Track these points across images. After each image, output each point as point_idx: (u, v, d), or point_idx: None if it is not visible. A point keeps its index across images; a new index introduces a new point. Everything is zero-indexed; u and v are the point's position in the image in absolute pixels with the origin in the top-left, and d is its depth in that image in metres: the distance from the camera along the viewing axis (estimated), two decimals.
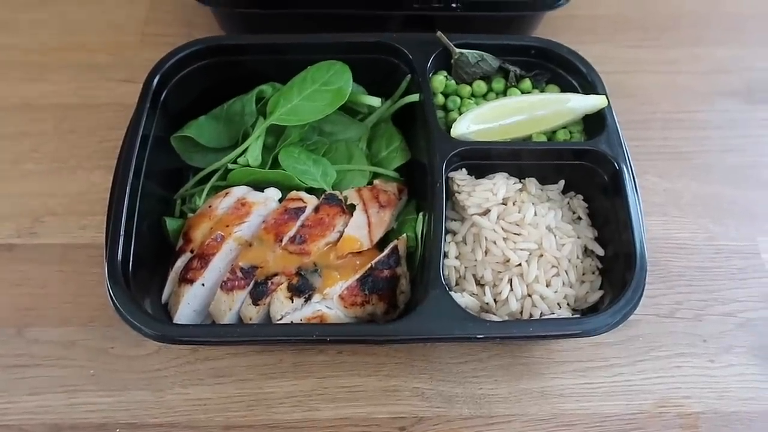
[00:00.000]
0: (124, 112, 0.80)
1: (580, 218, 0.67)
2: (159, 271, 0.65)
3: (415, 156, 0.73)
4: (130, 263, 0.61)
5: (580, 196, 0.69)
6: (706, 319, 0.70)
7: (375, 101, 0.71)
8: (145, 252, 0.64)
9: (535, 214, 0.63)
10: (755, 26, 0.94)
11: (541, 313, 0.60)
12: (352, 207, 0.66)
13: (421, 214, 0.66)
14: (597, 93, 0.70)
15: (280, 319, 0.60)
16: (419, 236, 0.66)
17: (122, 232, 0.61)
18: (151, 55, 0.83)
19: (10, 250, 0.72)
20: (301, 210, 0.65)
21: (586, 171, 0.67)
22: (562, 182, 0.69)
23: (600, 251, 0.65)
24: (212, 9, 0.82)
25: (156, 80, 0.68)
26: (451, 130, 0.66)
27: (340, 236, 0.64)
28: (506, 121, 0.67)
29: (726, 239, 0.75)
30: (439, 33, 0.70)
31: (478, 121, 0.67)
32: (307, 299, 0.60)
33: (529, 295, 0.60)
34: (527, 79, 0.73)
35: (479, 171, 0.67)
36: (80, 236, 0.73)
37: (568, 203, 0.68)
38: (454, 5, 0.77)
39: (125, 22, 0.90)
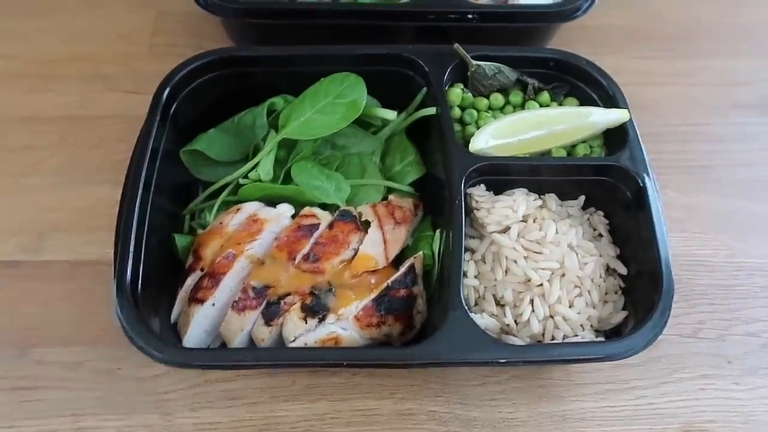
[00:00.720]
0: (131, 125, 0.78)
1: (600, 235, 0.66)
2: (168, 288, 0.64)
3: (430, 170, 0.71)
4: (139, 281, 0.59)
5: (601, 213, 0.67)
6: (729, 340, 0.68)
7: (390, 114, 0.70)
8: (154, 269, 0.62)
9: (557, 232, 0.61)
10: None
11: (564, 336, 0.59)
12: (367, 223, 0.64)
13: (437, 232, 0.65)
14: (617, 106, 0.68)
15: (294, 340, 0.58)
16: (436, 254, 0.64)
17: (131, 249, 0.59)
18: (159, 66, 0.81)
19: (15, 266, 0.70)
20: (315, 227, 0.63)
21: (606, 186, 0.65)
22: (582, 198, 0.67)
23: (623, 270, 0.63)
24: (222, 19, 0.80)
25: (166, 92, 0.67)
26: (470, 144, 0.65)
27: (355, 254, 0.63)
28: (525, 136, 0.66)
29: (747, 256, 0.74)
30: (456, 45, 0.69)
31: (497, 135, 0.65)
32: (321, 320, 0.59)
33: (552, 317, 0.59)
34: (546, 91, 0.71)
35: (497, 186, 0.66)
36: (87, 253, 0.71)
37: (588, 220, 0.66)
38: (469, 16, 0.76)
39: (132, 32, 0.88)
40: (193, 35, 0.87)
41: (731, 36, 0.92)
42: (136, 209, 0.60)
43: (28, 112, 0.81)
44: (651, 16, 0.94)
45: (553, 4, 0.77)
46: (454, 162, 0.63)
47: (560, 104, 0.72)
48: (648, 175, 0.63)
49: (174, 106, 0.68)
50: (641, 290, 0.60)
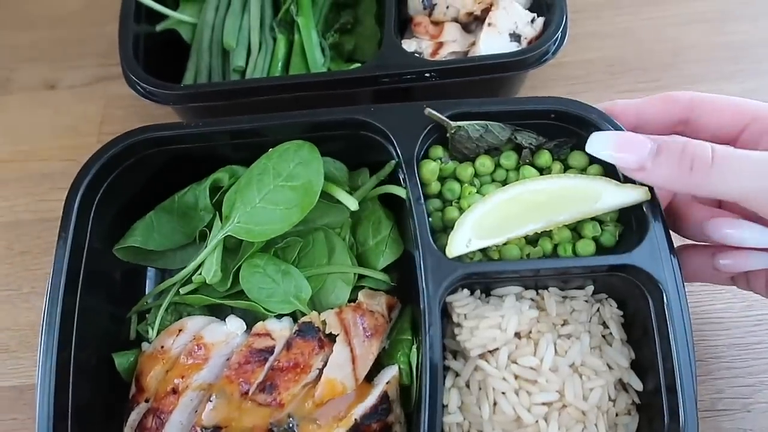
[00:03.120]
0: None
1: (612, 334, 0.55)
2: (117, 414, 0.57)
3: (407, 247, 0.62)
4: (71, 410, 0.53)
5: (613, 303, 0.56)
6: (755, 410, 0.60)
7: (351, 203, 0.60)
8: (94, 392, 0.56)
9: (556, 352, 0.52)
10: (765, 53, 0.85)
11: None
12: (332, 336, 0.56)
13: (414, 348, 0.56)
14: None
15: None
16: (414, 368, 0.56)
17: (53, 375, 0.52)
18: None
19: None
20: (269, 351, 0.55)
21: (622, 279, 0.54)
22: (590, 288, 0.57)
23: (638, 385, 0.53)
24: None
25: (78, 199, 0.58)
26: (447, 249, 0.53)
27: (320, 374, 0.55)
28: (516, 232, 0.53)
29: (765, 307, 0.66)
30: (428, 110, 0.57)
31: (481, 232, 0.52)
32: None
33: None
34: (546, 151, 0.58)
35: (486, 286, 0.56)
36: (35, 375, 0.65)
37: (598, 311, 0.56)
38: (427, 75, 0.69)
39: (80, 123, 0.83)
40: (142, 119, 0.82)
41: (721, 57, 0.85)
42: (56, 328, 0.53)
43: None
44: (632, 45, 0.86)
45: (517, 52, 0.70)
46: (429, 270, 0.51)
47: (564, 160, 0.59)
48: (672, 275, 0.51)
49: (94, 206, 0.59)
50: (659, 407, 0.50)
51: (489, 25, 0.72)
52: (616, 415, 0.53)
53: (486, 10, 0.74)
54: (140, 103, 0.82)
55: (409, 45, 0.74)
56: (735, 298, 0.67)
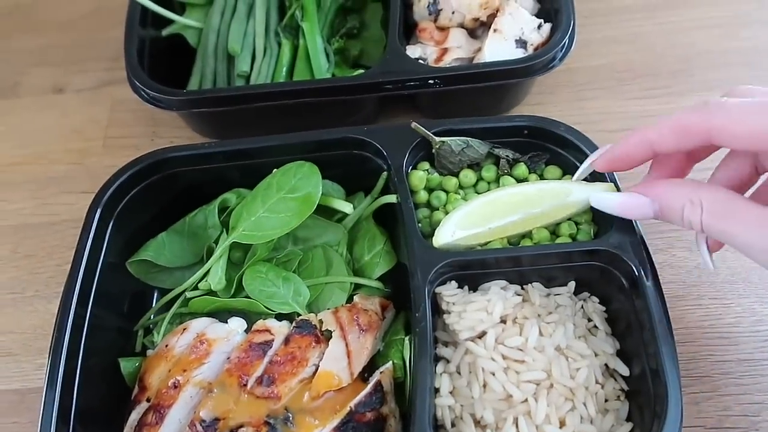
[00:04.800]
0: None
1: (596, 327, 0.57)
2: (117, 420, 0.57)
3: (401, 259, 0.64)
4: (74, 414, 0.54)
5: (596, 299, 0.58)
6: (763, 428, 0.58)
7: (347, 207, 0.63)
8: (98, 399, 0.57)
9: (541, 334, 0.53)
10: None
11: None
12: (329, 333, 0.57)
13: (407, 340, 0.57)
14: (604, 177, 0.59)
15: None
16: (408, 363, 0.56)
17: (59, 381, 0.54)
18: (114, 161, 0.77)
19: None
20: (269, 344, 0.56)
21: (599, 270, 0.57)
22: (572, 284, 0.58)
23: (624, 370, 0.54)
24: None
25: (98, 213, 0.61)
26: (434, 239, 0.57)
27: (316, 370, 0.56)
28: (498, 223, 0.58)
29: None
30: (414, 124, 0.62)
31: (465, 225, 0.57)
32: None
33: None
34: (522, 163, 0.63)
35: (472, 280, 0.58)
36: (38, 378, 0.66)
37: (582, 307, 0.58)
38: (431, 81, 0.69)
39: (86, 127, 0.84)
40: (148, 123, 0.83)
41: (734, 63, 0.83)
42: (67, 335, 0.55)
43: None
44: (642, 51, 0.85)
45: (523, 59, 0.69)
46: (417, 261, 0.55)
47: (541, 174, 0.63)
48: (644, 258, 0.55)
49: (112, 220, 0.63)
50: (648, 393, 0.51)
51: (495, 31, 0.72)
52: (606, 400, 0.53)
53: (492, 16, 0.73)
54: (146, 107, 0.83)
55: (413, 51, 0.73)
56: (745, 312, 0.65)
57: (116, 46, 0.88)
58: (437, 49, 0.73)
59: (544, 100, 0.81)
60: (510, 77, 0.69)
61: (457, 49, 0.73)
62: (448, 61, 0.72)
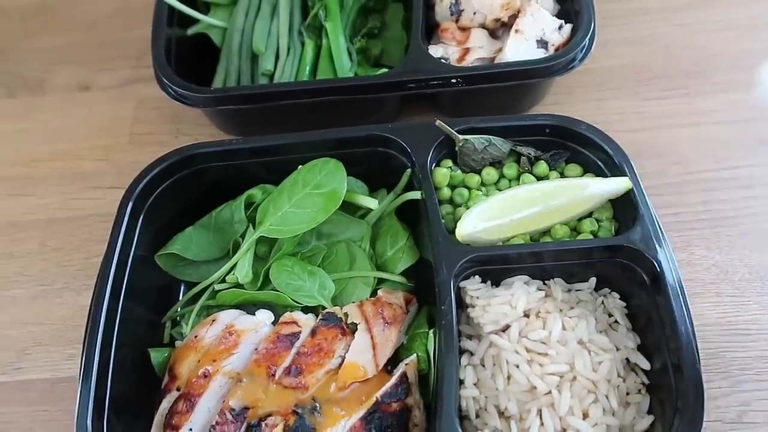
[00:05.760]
0: (112, 223, 0.76)
1: (617, 322, 0.58)
2: (147, 408, 0.59)
3: (423, 255, 0.65)
4: (107, 405, 0.55)
5: (616, 295, 0.59)
6: None
7: (372, 203, 0.64)
8: (129, 388, 0.58)
9: (564, 328, 0.54)
10: None
11: None
12: (354, 326, 0.59)
13: (431, 332, 0.58)
14: (623, 173, 0.61)
15: None
16: (431, 356, 0.57)
17: (95, 371, 0.55)
18: (139, 158, 0.79)
19: None
20: (296, 336, 0.58)
21: (620, 265, 0.58)
22: (593, 280, 0.59)
23: (645, 365, 0.55)
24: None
25: (130, 206, 0.63)
26: (456, 231, 0.58)
27: (342, 362, 0.57)
28: (519, 215, 0.59)
29: None
30: (438, 122, 0.63)
31: (487, 217, 0.58)
32: None
33: (564, 430, 0.51)
34: (543, 161, 0.65)
35: (495, 276, 0.59)
36: (67, 368, 0.68)
37: (603, 303, 0.59)
38: (453, 80, 0.70)
39: (113, 124, 0.85)
40: (172, 120, 0.85)
41: (751, 65, 0.84)
42: (100, 326, 0.57)
43: (8, 217, 0.79)
44: (659, 52, 0.86)
45: (544, 59, 0.70)
46: (442, 255, 0.57)
47: (561, 173, 0.65)
48: (665, 253, 0.56)
49: (143, 213, 0.64)
50: (668, 387, 0.52)
51: (516, 31, 0.73)
52: (627, 393, 0.54)
53: (513, 17, 0.74)
54: (170, 105, 0.84)
55: (435, 51, 0.74)
56: (763, 309, 0.66)
57: (140, 45, 0.91)
58: (459, 49, 0.74)
59: (561, 100, 0.82)
60: (532, 77, 0.70)
61: (479, 49, 0.74)
62: (470, 60, 0.73)
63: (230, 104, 0.73)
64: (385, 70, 0.75)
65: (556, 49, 0.73)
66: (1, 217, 0.79)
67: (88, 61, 0.91)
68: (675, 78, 0.84)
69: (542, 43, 0.73)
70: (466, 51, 0.74)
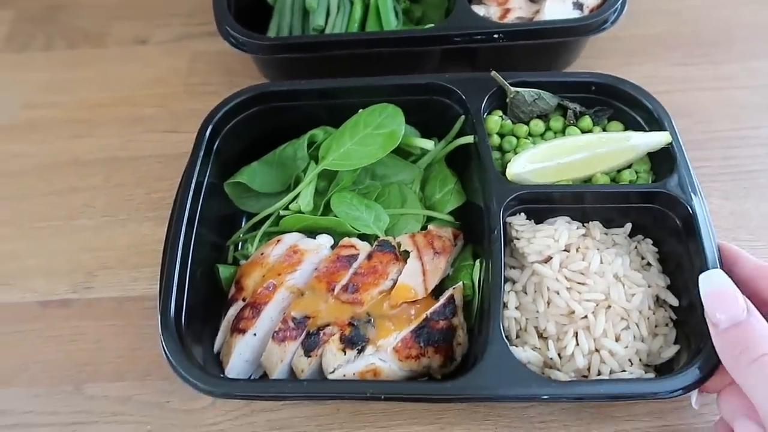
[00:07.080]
0: (170, 163, 0.82)
1: (649, 264, 0.62)
2: (212, 318, 0.65)
3: (470, 198, 0.70)
4: (183, 314, 0.60)
5: (649, 240, 0.64)
6: None
7: (428, 144, 0.69)
8: (199, 300, 0.63)
9: (601, 262, 0.59)
10: None
11: (610, 371, 0.56)
12: (406, 254, 0.64)
13: (477, 262, 0.63)
14: (663, 129, 0.65)
15: (332, 372, 0.58)
16: (476, 284, 0.62)
17: (175, 283, 0.60)
18: (195, 105, 0.85)
19: (68, 306, 0.72)
20: (354, 257, 0.63)
21: (654, 214, 0.62)
22: (628, 226, 0.64)
23: (674, 301, 0.60)
24: (253, 56, 0.82)
25: (209, 130, 0.68)
26: (507, 170, 0.63)
27: (394, 284, 0.62)
28: (565, 159, 0.64)
29: None
30: (493, 73, 0.68)
31: (535, 160, 0.63)
32: (360, 351, 0.58)
33: (597, 351, 0.56)
34: (587, 116, 0.69)
35: (539, 215, 0.64)
36: (133, 289, 0.73)
37: (636, 248, 0.63)
38: (495, 36, 0.75)
39: (168, 75, 0.91)
40: (226, 73, 0.90)
41: None
42: (180, 244, 0.62)
43: (74, 155, 0.84)
44: (685, 22, 0.91)
45: (580, 18, 0.76)
46: (493, 191, 0.62)
47: (604, 128, 0.69)
48: (698, 201, 0.60)
49: (217, 142, 0.69)
50: (694, 323, 0.56)
51: None
52: (656, 326, 0.59)
53: None
54: (223, 59, 0.91)
55: (478, 10, 0.80)
56: None
57: (193, 3, 0.97)
58: (500, 9, 0.80)
59: (593, 64, 0.88)
60: (569, 35, 0.75)
61: (518, 9, 0.80)
62: (510, 19, 0.79)
63: (285, 53, 0.78)
64: (432, 25, 0.80)
65: (591, 11, 0.79)
66: (66, 155, 0.84)
67: (144, 17, 0.97)
68: (700, 46, 0.89)
69: (578, 5, 0.79)
70: (507, 11, 0.80)
